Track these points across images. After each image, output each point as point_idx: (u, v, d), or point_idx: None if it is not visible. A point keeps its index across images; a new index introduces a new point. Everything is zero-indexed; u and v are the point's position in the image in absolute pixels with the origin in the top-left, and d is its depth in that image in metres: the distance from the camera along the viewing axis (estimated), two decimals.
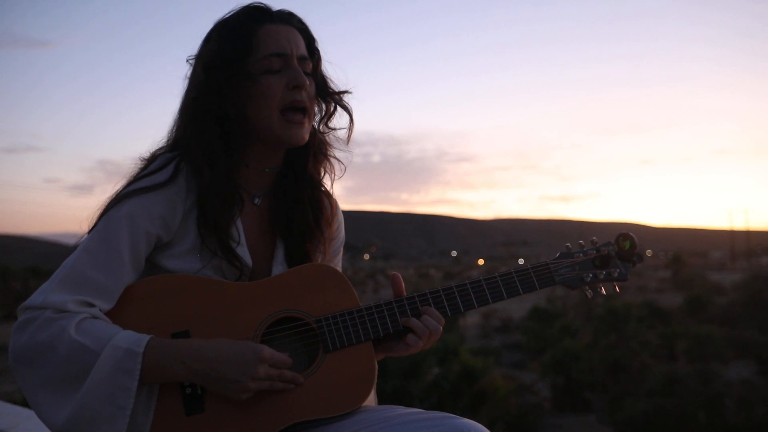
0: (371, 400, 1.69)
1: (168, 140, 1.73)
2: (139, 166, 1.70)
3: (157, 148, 1.73)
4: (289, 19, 1.72)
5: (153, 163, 1.66)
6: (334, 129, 1.82)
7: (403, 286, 1.72)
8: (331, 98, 1.78)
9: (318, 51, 1.77)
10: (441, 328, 1.68)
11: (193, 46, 1.73)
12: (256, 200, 1.77)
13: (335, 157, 1.83)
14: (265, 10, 1.70)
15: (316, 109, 1.77)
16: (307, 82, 1.67)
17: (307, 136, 1.71)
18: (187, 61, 1.72)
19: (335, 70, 1.80)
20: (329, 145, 1.82)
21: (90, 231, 1.61)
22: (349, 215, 1.97)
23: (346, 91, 1.79)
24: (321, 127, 1.80)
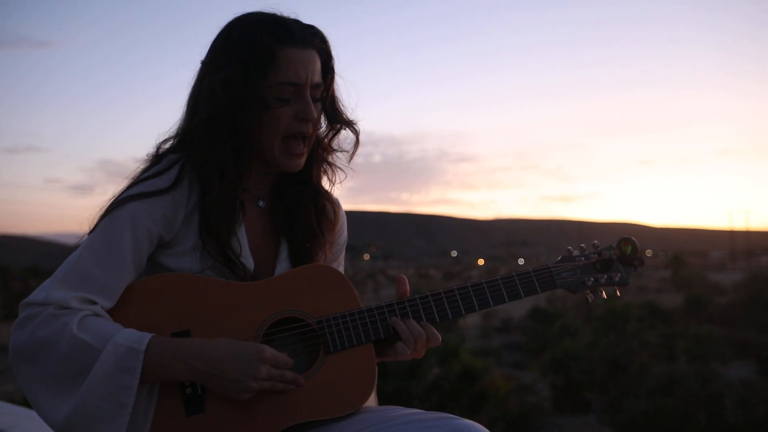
0: (372, 401, 1.69)
1: (175, 135, 1.72)
2: (145, 164, 1.70)
3: (163, 140, 1.73)
4: (311, 40, 1.67)
5: (157, 165, 1.66)
6: (339, 150, 1.81)
7: (408, 287, 1.72)
8: (338, 123, 1.78)
9: (333, 70, 1.74)
10: (426, 334, 1.65)
11: (196, 48, 1.70)
12: (260, 202, 1.78)
13: (338, 166, 1.83)
14: (289, 31, 1.64)
15: (323, 123, 1.77)
16: (315, 115, 1.67)
17: (302, 165, 1.73)
18: (201, 63, 1.69)
19: (345, 85, 1.77)
20: (332, 151, 1.81)
21: (92, 230, 1.61)
22: (350, 215, 1.97)
23: (351, 122, 1.78)
24: (325, 142, 1.79)
